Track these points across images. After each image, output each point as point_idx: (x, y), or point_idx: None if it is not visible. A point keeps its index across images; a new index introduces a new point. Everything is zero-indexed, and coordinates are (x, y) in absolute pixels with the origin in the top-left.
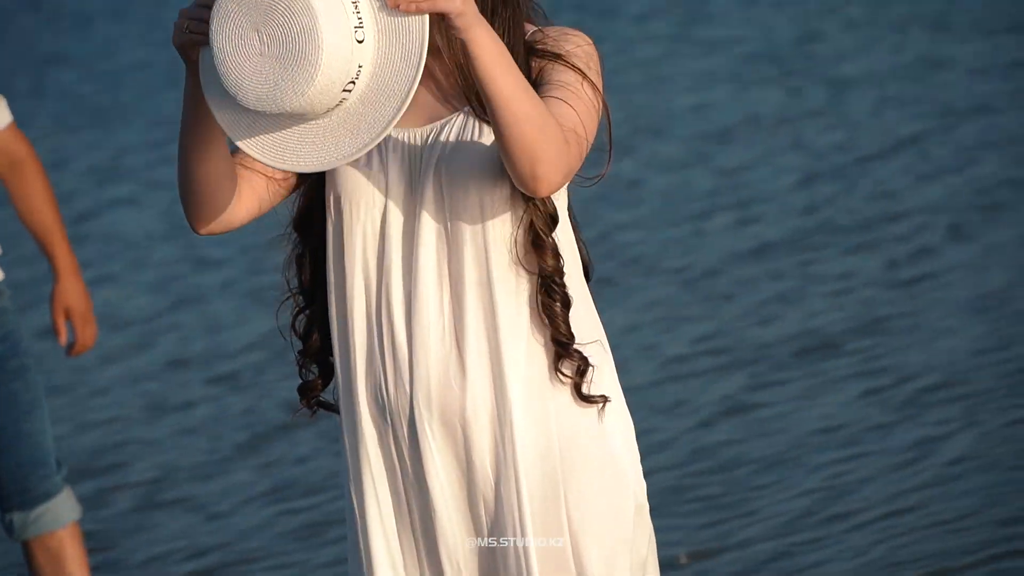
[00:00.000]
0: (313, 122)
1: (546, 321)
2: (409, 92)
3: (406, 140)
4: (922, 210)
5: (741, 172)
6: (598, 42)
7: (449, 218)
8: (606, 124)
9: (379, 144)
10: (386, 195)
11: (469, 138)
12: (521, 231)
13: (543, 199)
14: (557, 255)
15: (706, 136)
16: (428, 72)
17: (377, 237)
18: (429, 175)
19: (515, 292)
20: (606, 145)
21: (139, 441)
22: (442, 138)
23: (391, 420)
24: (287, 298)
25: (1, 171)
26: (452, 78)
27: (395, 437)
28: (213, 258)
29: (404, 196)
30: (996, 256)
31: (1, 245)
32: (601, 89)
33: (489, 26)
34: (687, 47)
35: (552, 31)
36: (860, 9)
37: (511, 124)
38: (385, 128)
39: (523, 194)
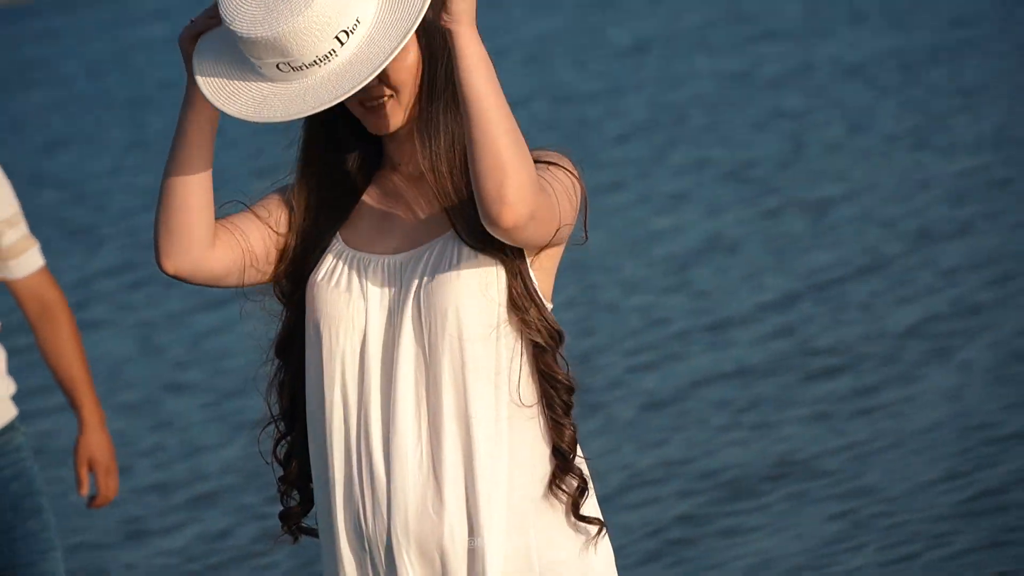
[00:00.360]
0: (296, 82)
1: (550, 425)
2: (395, 48)
3: (386, 266)
4: (900, 332)
5: (718, 293)
6: (574, 162)
7: (428, 345)
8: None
9: (359, 269)
10: (366, 321)
11: (448, 265)
12: (525, 359)
13: (543, 319)
14: (562, 367)
15: (683, 257)
16: (409, 198)
17: (357, 363)
18: (408, 302)
19: (495, 420)
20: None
21: (119, 564)
22: (421, 265)
23: (369, 548)
24: (268, 424)
25: (31, 316)
26: (434, 204)
27: (373, 565)
28: (191, 381)
29: (384, 323)
30: (973, 379)
31: (14, 381)
32: (577, 182)
33: (478, 36)
34: (665, 167)
35: None
36: (840, 129)
37: (485, 133)
38: (368, 77)
39: (517, 316)
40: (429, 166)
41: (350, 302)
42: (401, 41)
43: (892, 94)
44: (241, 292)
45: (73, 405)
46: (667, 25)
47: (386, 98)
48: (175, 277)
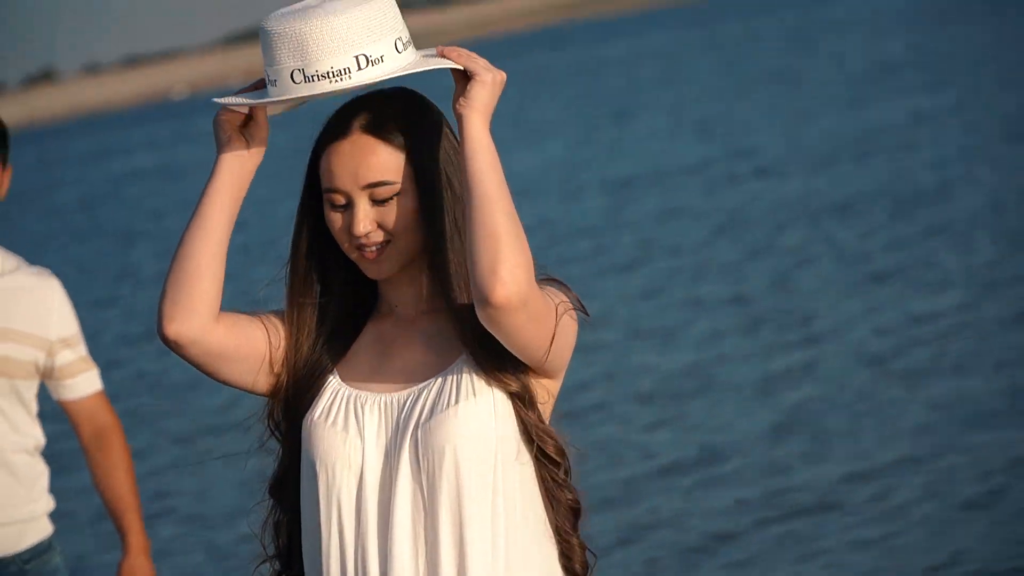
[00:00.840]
0: (303, 93)
1: (560, 544)
2: (398, 73)
3: (383, 404)
4: (891, 470)
5: (706, 428)
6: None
7: (426, 483)
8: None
9: (356, 407)
10: (362, 460)
11: (446, 404)
12: (529, 487)
13: (553, 437)
14: (569, 484)
15: (677, 393)
16: (406, 339)
17: (353, 502)
18: (406, 441)
19: (492, 556)
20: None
21: None
22: (419, 404)
23: None
24: (262, 562)
25: (83, 439)
26: (431, 344)
27: None
28: (186, 512)
29: (381, 461)
30: (962, 516)
31: (53, 498)
32: (574, 302)
33: (487, 126)
34: (655, 302)
35: None
36: (834, 264)
37: (483, 211)
38: (367, 81)
39: (525, 440)
40: (454, 307)
41: (347, 440)
42: (408, 72)
43: (882, 230)
44: (227, 425)
45: (120, 530)
46: (660, 161)
47: (383, 243)
48: (174, 344)
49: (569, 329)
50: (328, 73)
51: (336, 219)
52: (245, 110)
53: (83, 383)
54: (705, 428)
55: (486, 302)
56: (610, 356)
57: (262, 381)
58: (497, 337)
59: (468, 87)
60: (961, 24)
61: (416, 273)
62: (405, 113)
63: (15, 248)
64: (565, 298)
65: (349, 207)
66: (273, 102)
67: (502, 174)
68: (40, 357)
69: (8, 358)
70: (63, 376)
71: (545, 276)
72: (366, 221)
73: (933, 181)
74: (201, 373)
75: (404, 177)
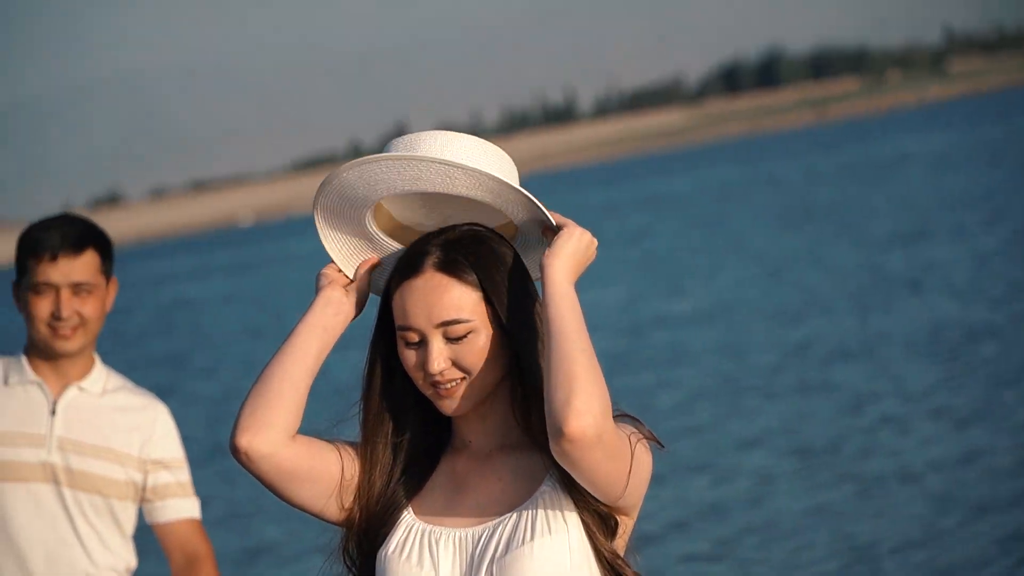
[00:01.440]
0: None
1: None
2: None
3: (458, 540)
4: None
5: (766, 564)
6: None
7: None
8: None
9: (430, 543)
10: None
11: (521, 541)
12: None
13: (632, 571)
14: None
15: (732, 527)
16: (480, 474)
17: None
18: None
19: None
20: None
21: None
22: (495, 539)
23: None
24: None
25: (173, 565)
26: (504, 480)
27: None
28: None
29: None
30: None
31: None
32: (647, 441)
33: (569, 276)
34: (717, 439)
35: None
36: (895, 400)
37: (561, 349)
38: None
39: (602, 563)
40: (539, 436)
41: (421, 575)
42: (500, 182)
43: (937, 367)
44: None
45: None
46: (720, 297)
47: (459, 380)
48: (244, 456)
49: (644, 464)
50: (427, 169)
51: (410, 356)
52: (350, 273)
53: (174, 507)
54: (760, 563)
55: (560, 434)
56: (667, 489)
57: (332, 507)
58: (572, 474)
59: (555, 238)
60: (1015, 164)
61: (490, 408)
62: (478, 250)
63: None
64: (637, 432)
65: (423, 344)
66: (364, 162)
67: (582, 319)
68: (137, 477)
69: (103, 477)
70: (154, 497)
71: (619, 412)
72: (440, 359)
73: (988, 318)
74: (272, 494)
75: (478, 314)
